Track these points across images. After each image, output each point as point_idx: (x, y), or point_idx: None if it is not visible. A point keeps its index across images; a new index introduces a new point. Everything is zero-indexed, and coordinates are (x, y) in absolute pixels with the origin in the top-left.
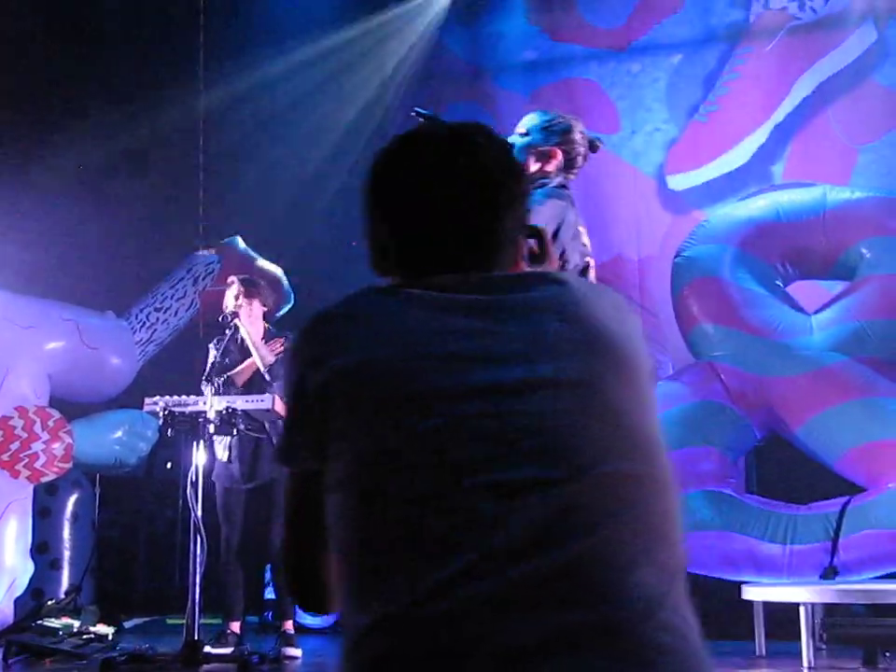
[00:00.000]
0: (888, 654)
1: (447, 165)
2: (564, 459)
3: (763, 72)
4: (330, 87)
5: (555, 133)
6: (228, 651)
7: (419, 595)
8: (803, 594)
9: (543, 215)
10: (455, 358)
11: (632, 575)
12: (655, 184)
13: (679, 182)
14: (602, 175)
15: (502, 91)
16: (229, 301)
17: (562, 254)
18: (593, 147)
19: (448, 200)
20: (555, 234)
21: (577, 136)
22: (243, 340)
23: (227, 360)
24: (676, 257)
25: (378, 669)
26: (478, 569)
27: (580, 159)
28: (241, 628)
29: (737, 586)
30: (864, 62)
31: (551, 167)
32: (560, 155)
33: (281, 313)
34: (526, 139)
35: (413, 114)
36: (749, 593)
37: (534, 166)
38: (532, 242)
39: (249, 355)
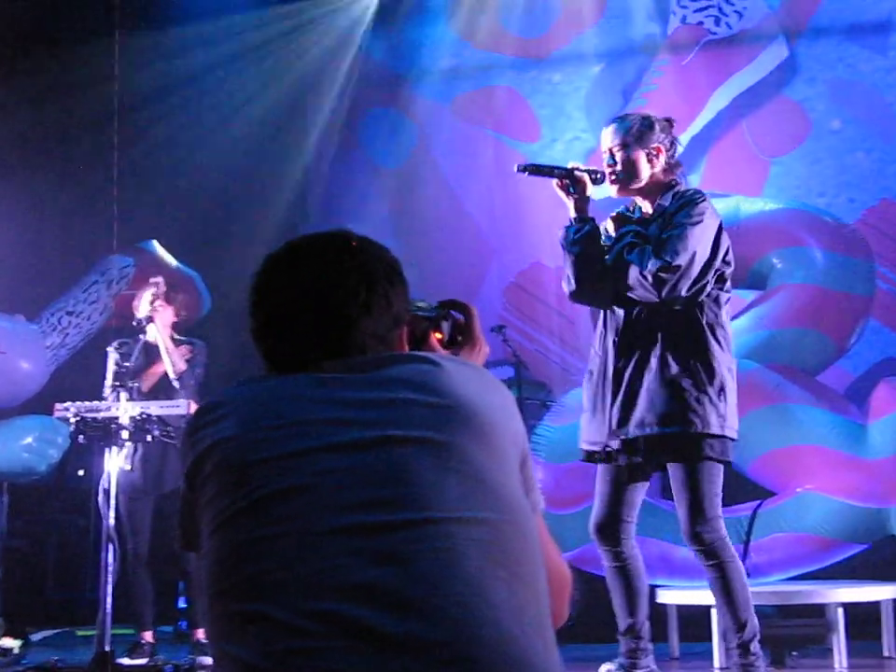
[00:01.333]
0: (795, 654)
1: (306, 276)
2: (424, 504)
3: (681, 84)
4: (251, 87)
5: (649, 130)
6: (142, 661)
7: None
8: (713, 597)
9: (707, 232)
10: (315, 423)
11: (489, 607)
12: None
13: (597, 191)
14: (521, 181)
15: (422, 98)
16: (144, 305)
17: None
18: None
19: (302, 309)
20: (716, 243)
21: (660, 125)
22: (148, 345)
23: (131, 365)
24: None
25: None
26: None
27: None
28: (154, 637)
29: (653, 590)
30: (776, 77)
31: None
32: (663, 150)
33: (196, 317)
34: (627, 150)
35: (517, 170)
36: (663, 596)
37: (646, 171)
38: (446, 325)
39: (154, 360)
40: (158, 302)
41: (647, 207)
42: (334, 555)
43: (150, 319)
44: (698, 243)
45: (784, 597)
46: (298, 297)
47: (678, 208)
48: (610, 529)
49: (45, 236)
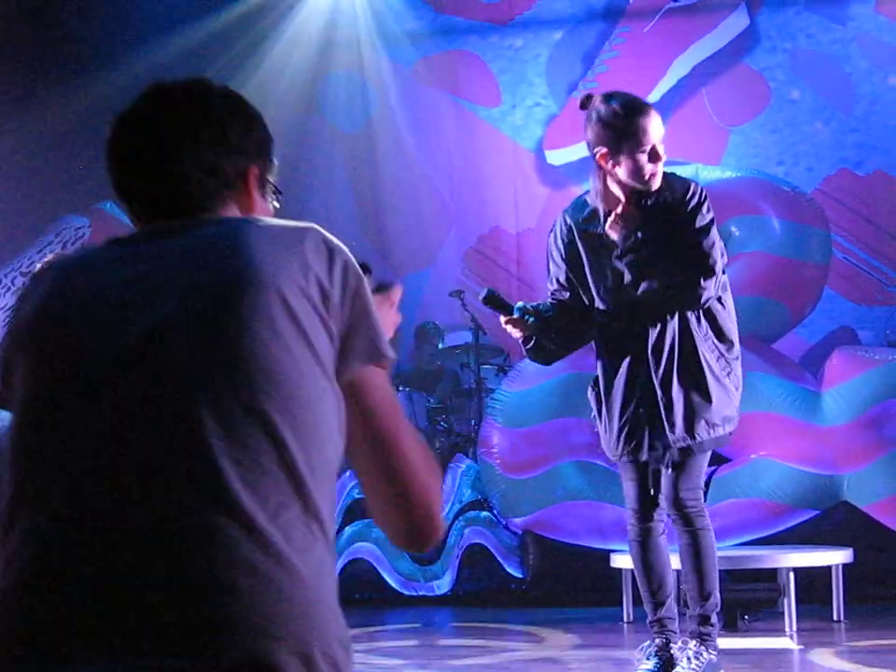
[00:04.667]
0: (746, 618)
1: (141, 117)
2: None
3: (642, 52)
4: (211, 48)
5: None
6: None
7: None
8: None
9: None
10: (99, 313)
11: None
12: (534, 158)
13: (557, 157)
14: (481, 148)
15: (384, 61)
16: None
17: None
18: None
19: (131, 142)
20: None
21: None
22: None
23: None
24: (551, 230)
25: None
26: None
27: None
28: None
29: (607, 555)
30: (737, 46)
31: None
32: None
33: None
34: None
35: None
36: (617, 561)
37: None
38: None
39: None
40: None
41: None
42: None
43: None
44: (718, 241)
45: (737, 562)
46: (131, 133)
47: (692, 207)
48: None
49: (0, 196)
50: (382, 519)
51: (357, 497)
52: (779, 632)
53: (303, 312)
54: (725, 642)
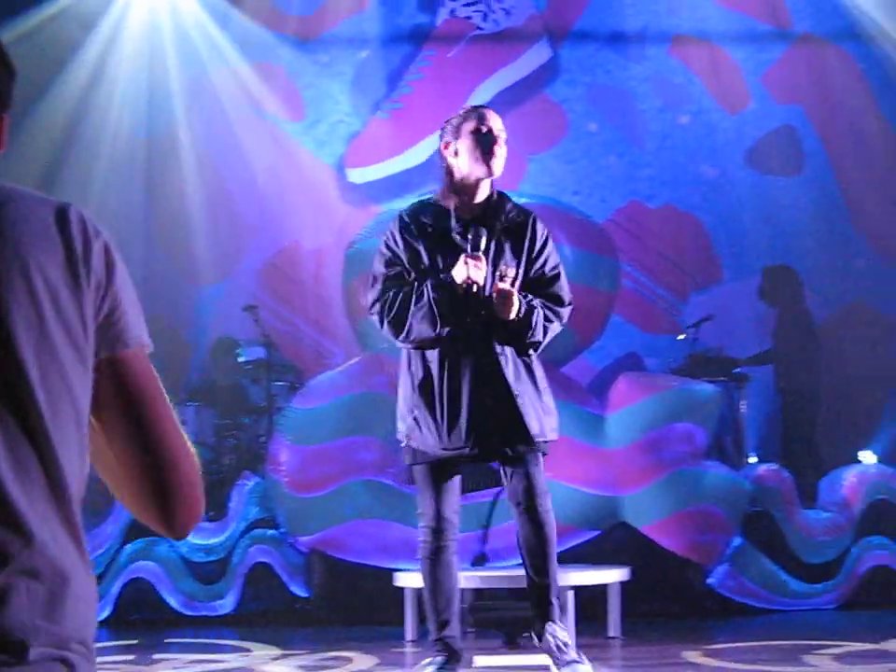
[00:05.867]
0: (526, 635)
1: None
2: None
3: (446, 76)
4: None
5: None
6: None
7: None
8: None
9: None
10: None
11: None
12: (335, 175)
13: (358, 175)
14: (283, 162)
15: (187, 68)
16: None
17: None
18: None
19: None
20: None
21: None
22: None
23: None
24: (348, 248)
25: None
26: None
27: None
28: None
29: (391, 573)
30: (538, 77)
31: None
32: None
33: None
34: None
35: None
36: (401, 579)
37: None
38: None
39: None
40: None
41: (478, 199)
42: None
43: None
44: None
45: (517, 581)
46: None
47: (546, 241)
48: None
49: None
50: (140, 504)
51: None
52: None
53: (61, 293)
54: (505, 660)
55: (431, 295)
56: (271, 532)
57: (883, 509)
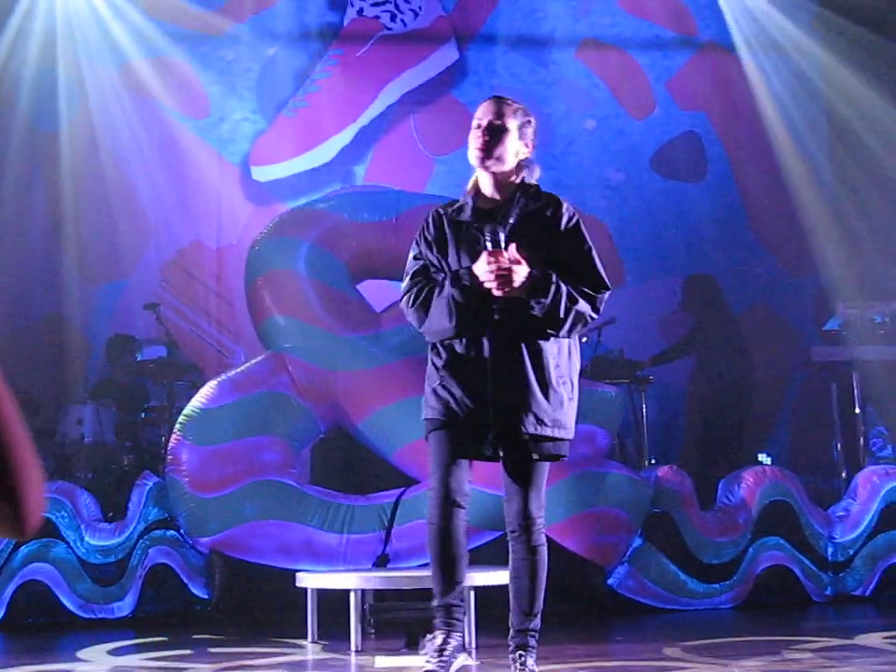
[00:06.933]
0: (427, 636)
1: None
2: None
3: (353, 75)
4: None
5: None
6: None
7: None
8: (352, 580)
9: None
10: None
11: None
12: (239, 173)
13: (262, 173)
14: (186, 159)
15: (89, 61)
16: None
17: None
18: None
19: None
20: None
21: None
22: None
23: None
24: (252, 247)
25: None
26: None
27: None
28: None
29: (293, 575)
30: (445, 78)
31: None
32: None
33: None
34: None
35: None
36: (303, 580)
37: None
38: None
39: None
40: None
41: (489, 191)
42: None
43: None
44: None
45: (419, 581)
46: None
47: (573, 226)
48: None
49: None
50: None
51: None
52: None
53: None
54: (407, 660)
55: (450, 291)
56: (171, 533)
57: (778, 510)
